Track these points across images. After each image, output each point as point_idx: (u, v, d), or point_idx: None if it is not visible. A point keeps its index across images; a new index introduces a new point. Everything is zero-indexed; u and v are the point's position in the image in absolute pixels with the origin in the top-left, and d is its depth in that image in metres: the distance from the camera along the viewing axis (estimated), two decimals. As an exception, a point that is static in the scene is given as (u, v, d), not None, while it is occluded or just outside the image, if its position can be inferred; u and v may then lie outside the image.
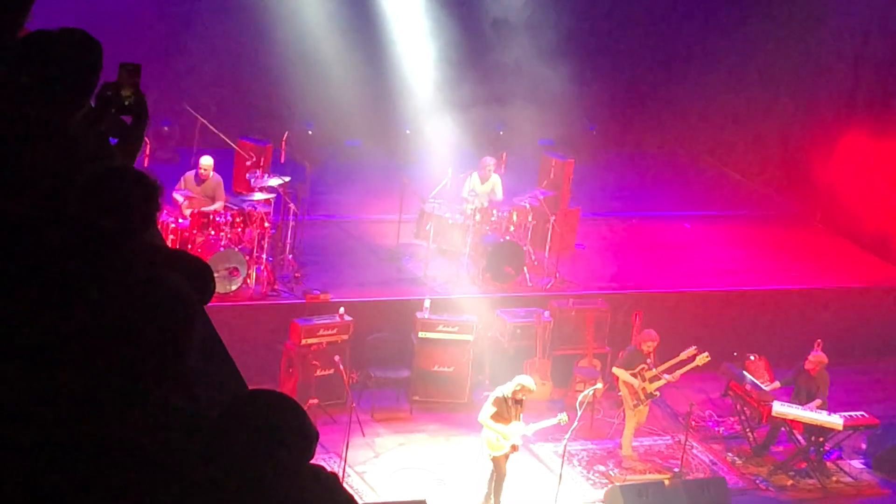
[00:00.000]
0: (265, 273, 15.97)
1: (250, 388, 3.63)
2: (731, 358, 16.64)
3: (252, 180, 16.20)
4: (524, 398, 13.36)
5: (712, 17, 22.30)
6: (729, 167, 23.08)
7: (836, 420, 15.29)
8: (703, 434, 16.19)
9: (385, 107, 20.14)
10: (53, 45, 4.17)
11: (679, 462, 15.10)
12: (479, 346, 16.13)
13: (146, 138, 15.01)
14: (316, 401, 14.86)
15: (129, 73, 4.62)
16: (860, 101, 21.16)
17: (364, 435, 14.92)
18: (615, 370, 15.49)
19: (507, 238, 17.20)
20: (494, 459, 13.40)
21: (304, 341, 15.12)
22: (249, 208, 15.84)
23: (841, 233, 20.84)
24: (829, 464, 15.69)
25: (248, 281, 15.75)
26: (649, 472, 15.08)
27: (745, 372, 16.13)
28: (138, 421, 3.15)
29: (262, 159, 17.24)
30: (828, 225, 21.20)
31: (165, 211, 15.28)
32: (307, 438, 3.26)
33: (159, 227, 14.00)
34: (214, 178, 16.02)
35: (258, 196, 16.01)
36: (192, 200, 15.75)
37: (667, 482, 14.28)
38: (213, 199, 15.91)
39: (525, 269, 17.27)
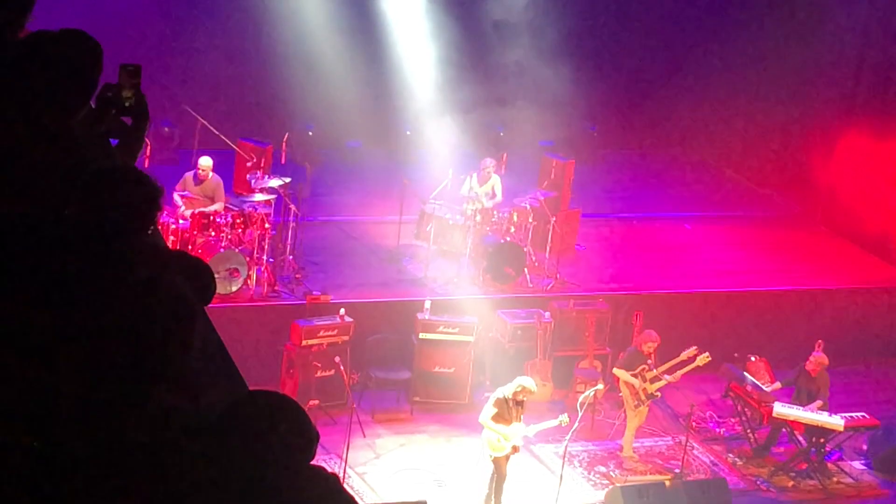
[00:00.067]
0: (266, 274, 15.97)
1: (251, 389, 3.63)
2: (731, 359, 16.63)
3: (252, 181, 16.21)
4: (525, 399, 13.36)
5: (713, 18, 22.29)
6: (729, 168, 23.08)
7: (836, 421, 15.28)
8: (704, 435, 16.18)
9: (385, 108, 20.15)
10: (54, 46, 4.17)
11: (680, 463, 15.09)
12: (480, 347, 16.13)
13: (146, 139, 15.04)
14: (316, 402, 14.86)
15: (129, 74, 4.62)
16: (861, 101, 21.16)
17: (365, 436, 14.92)
18: (616, 371, 15.49)
19: (508, 239, 17.20)
20: (495, 460, 13.40)
21: (304, 342, 15.12)
22: (250, 209, 15.84)
23: (841, 233, 20.84)
24: (829, 465, 15.69)
25: (249, 282, 15.74)
26: (650, 473, 15.08)
27: (745, 373, 16.13)
28: (139, 421, 3.15)
29: (263, 160, 17.25)
30: (828, 226, 21.20)
31: (166, 212, 15.28)
32: (308, 439, 3.26)
33: (160, 228, 14.02)
34: (214, 179, 16.02)
35: (258, 197, 16.00)
36: (191, 201, 15.76)
37: (667, 483, 14.28)
38: (212, 200, 15.91)
39: (525, 270, 17.27)
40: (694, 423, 15.84)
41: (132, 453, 3.07)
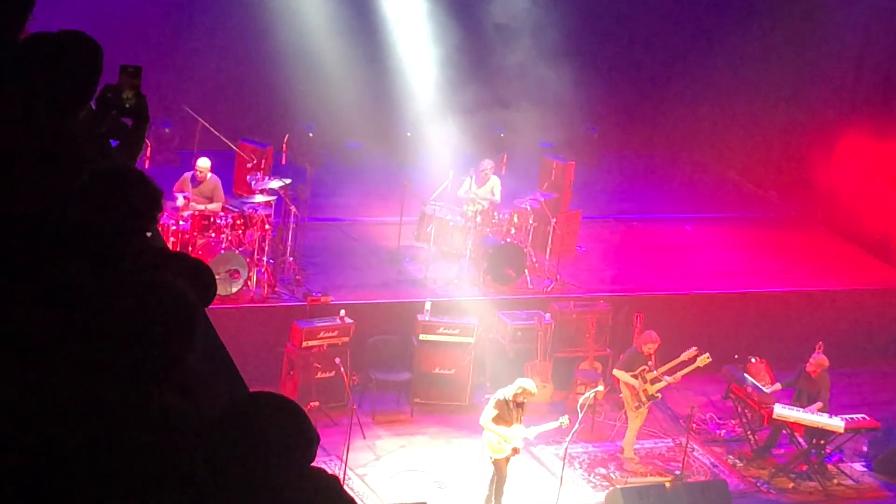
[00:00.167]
0: (266, 275, 15.97)
1: (251, 390, 3.63)
2: (732, 360, 16.62)
3: (253, 182, 16.21)
4: (525, 401, 13.35)
5: (712, 19, 22.29)
6: (730, 169, 23.08)
7: (837, 422, 15.28)
8: (704, 436, 16.18)
9: (386, 109, 20.15)
10: (54, 48, 4.17)
11: (680, 464, 15.09)
12: (480, 349, 16.12)
13: (147, 140, 15.03)
14: (317, 403, 14.87)
15: (129, 75, 4.62)
16: (861, 102, 21.17)
17: (365, 437, 14.92)
18: (616, 372, 15.48)
19: (508, 240, 17.20)
20: (495, 462, 13.39)
21: (304, 343, 15.12)
22: (250, 210, 15.84)
23: (842, 234, 20.84)
24: (830, 466, 15.68)
25: (249, 283, 15.74)
26: (650, 475, 15.07)
27: (746, 374, 16.12)
28: (139, 422, 3.14)
29: (263, 161, 17.25)
30: (829, 227, 21.20)
31: (166, 213, 15.28)
32: (308, 441, 3.25)
33: (160, 229, 14.01)
34: (212, 180, 16.02)
35: (259, 198, 16.00)
36: (190, 201, 15.75)
37: (668, 485, 14.27)
38: (210, 200, 15.91)
39: (526, 271, 17.27)
40: (694, 425, 15.84)
41: (132, 454, 3.06)
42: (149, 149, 17.17)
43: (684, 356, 15.25)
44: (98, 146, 4.45)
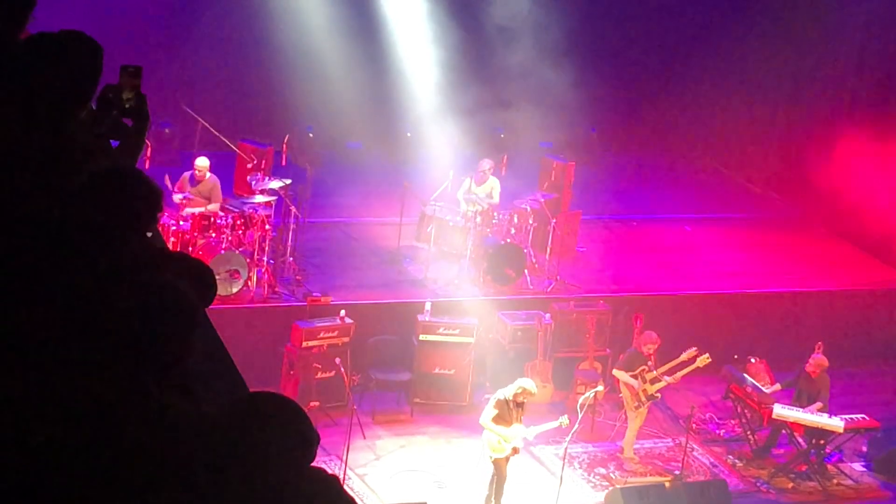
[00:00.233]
0: (266, 275, 15.97)
1: (251, 390, 3.63)
2: (731, 360, 16.62)
3: (253, 183, 16.21)
4: (525, 401, 13.35)
5: (712, 19, 22.29)
6: (730, 169, 23.08)
7: (836, 423, 15.28)
8: (704, 436, 16.18)
9: (386, 109, 20.14)
10: (54, 48, 4.17)
11: (680, 464, 15.09)
12: (480, 349, 16.12)
13: (147, 140, 15.01)
14: (317, 403, 14.86)
15: (129, 75, 4.62)
16: (861, 102, 21.16)
17: (365, 437, 14.92)
18: (616, 372, 15.48)
19: (508, 240, 17.20)
20: (495, 462, 13.39)
21: (304, 344, 15.12)
22: (250, 211, 15.84)
23: (842, 235, 20.83)
24: (829, 466, 15.69)
25: (249, 283, 15.74)
26: (650, 475, 15.08)
27: (745, 374, 16.12)
28: (139, 422, 3.15)
29: (263, 162, 17.25)
30: (829, 227, 21.18)
31: (166, 213, 15.28)
32: (308, 441, 3.25)
33: (160, 229, 14.01)
34: (211, 179, 16.02)
35: (259, 198, 16.00)
36: (189, 201, 15.75)
37: (667, 484, 14.28)
38: (209, 200, 15.91)
39: (526, 271, 17.27)
40: (694, 425, 15.84)
41: (132, 454, 3.07)
42: (149, 149, 17.15)
43: (684, 356, 15.25)
44: (98, 146, 4.46)
